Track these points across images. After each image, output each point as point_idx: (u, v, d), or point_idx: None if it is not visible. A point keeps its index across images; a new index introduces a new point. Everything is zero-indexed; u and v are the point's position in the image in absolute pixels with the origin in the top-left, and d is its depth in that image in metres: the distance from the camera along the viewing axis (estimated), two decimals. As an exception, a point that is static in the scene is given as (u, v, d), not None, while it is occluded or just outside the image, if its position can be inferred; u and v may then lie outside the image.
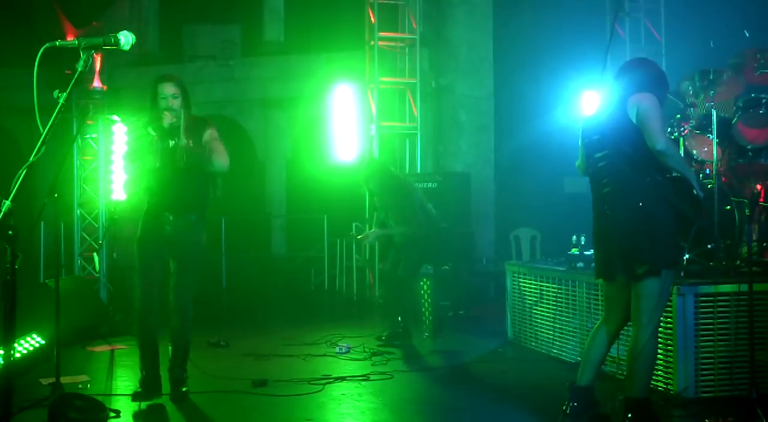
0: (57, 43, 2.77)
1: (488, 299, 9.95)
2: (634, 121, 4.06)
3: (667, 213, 4.07)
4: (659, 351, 4.94)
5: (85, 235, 9.81)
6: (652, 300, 4.05)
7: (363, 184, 7.37)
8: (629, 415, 4.09)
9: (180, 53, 15.32)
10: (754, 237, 5.52)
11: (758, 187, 5.99)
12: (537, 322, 6.62)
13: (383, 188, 7.19)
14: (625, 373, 4.32)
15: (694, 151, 6.13)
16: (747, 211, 5.48)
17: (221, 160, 5.07)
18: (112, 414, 4.69)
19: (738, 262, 5.37)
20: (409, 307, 7.16)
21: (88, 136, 9.72)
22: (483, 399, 5.30)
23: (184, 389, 5.15)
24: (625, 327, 4.36)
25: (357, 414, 4.89)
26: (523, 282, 6.86)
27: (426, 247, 7.17)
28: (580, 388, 4.27)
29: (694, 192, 4.39)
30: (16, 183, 2.62)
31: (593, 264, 4.50)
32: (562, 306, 6.20)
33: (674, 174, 4.38)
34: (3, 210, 2.55)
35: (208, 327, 8.25)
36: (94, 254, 9.35)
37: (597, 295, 5.64)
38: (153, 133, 4.98)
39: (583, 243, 6.06)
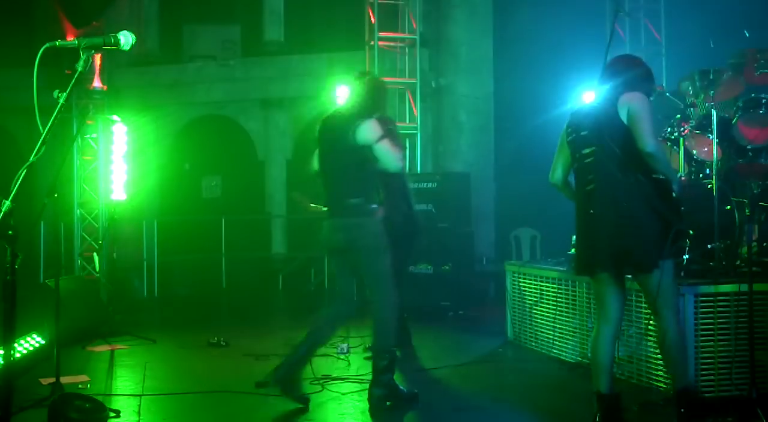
0: (57, 43, 2.77)
1: (488, 299, 9.96)
2: (624, 120, 4.04)
3: (650, 213, 4.06)
4: (658, 350, 4.96)
5: (85, 235, 9.81)
6: (655, 290, 4.09)
7: None
8: (682, 409, 4.09)
9: (180, 53, 15.32)
10: (754, 237, 5.51)
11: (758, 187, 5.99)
12: (537, 322, 6.62)
13: None
14: (664, 369, 4.29)
15: (694, 151, 6.12)
16: (747, 210, 5.48)
17: None
18: (112, 414, 4.69)
19: (738, 262, 5.37)
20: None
21: (88, 136, 9.72)
22: (483, 399, 5.30)
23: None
24: (624, 329, 4.36)
25: (357, 414, 4.89)
26: (523, 282, 6.86)
27: (406, 251, 6.61)
28: (605, 396, 4.17)
29: (674, 194, 4.36)
30: (16, 183, 2.62)
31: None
32: (562, 306, 6.20)
33: (659, 175, 4.37)
34: (3, 210, 2.55)
35: (208, 327, 8.27)
36: (94, 254, 9.36)
37: (597, 295, 5.63)
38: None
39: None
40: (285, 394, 4.97)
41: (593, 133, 4.15)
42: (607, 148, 4.07)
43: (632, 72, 4.21)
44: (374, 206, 4.97)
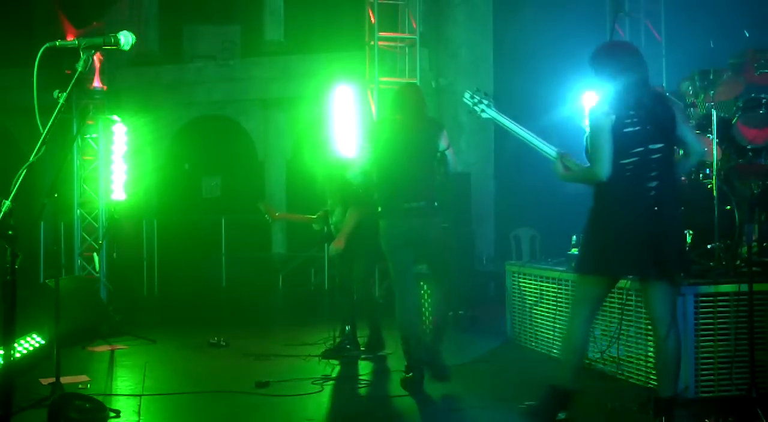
0: (57, 43, 2.77)
1: (488, 299, 9.94)
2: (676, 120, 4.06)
3: None
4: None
5: (85, 235, 9.81)
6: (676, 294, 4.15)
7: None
8: (668, 416, 4.05)
9: (180, 53, 15.33)
10: (754, 237, 5.52)
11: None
12: (537, 322, 6.62)
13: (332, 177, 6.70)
14: (656, 376, 4.26)
15: (694, 151, 6.13)
16: (747, 210, 5.49)
17: None
18: (112, 414, 4.69)
19: (738, 262, 5.37)
20: (368, 313, 6.71)
21: (88, 136, 9.71)
22: (483, 399, 5.30)
23: None
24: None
25: (357, 414, 4.89)
26: (523, 282, 6.86)
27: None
28: (570, 392, 4.17)
29: None
30: (16, 183, 2.62)
31: (612, 262, 4.08)
32: (562, 306, 6.19)
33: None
34: (3, 210, 2.55)
35: (208, 327, 8.27)
36: (94, 254, 9.35)
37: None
38: None
39: (582, 243, 6.05)
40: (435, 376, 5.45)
41: (660, 129, 4.01)
42: (671, 144, 4.05)
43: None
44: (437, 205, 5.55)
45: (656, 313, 4.09)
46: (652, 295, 4.10)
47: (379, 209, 5.50)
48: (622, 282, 5.28)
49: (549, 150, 4.24)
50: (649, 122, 4.00)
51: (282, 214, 7.61)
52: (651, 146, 3.99)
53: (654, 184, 3.97)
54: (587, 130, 4.09)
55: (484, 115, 4.37)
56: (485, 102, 4.39)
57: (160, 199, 14.22)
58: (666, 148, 4.01)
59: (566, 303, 6.14)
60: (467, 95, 4.42)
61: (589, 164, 4.09)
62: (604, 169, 3.97)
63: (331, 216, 6.73)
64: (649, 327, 5.08)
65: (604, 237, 4.07)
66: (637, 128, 3.98)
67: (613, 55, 4.19)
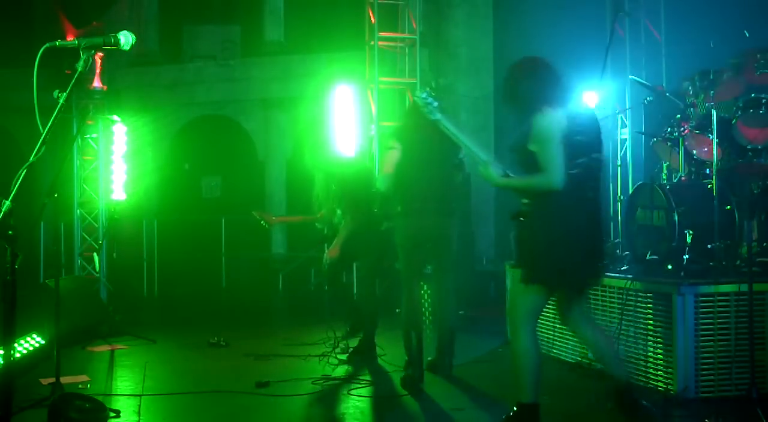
0: (57, 43, 2.78)
1: (488, 299, 9.95)
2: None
3: None
4: (660, 350, 4.97)
5: (85, 235, 9.81)
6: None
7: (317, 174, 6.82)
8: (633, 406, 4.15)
9: (180, 53, 15.33)
10: (754, 237, 5.52)
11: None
12: (537, 322, 6.60)
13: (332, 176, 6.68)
14: (603, 366, 4.36)
15: (694, 151, 6.13)
16: (747, 210, 5.49)
17: None
18: (112, 414, 4.69)
19: (738, 262, 5.37)
20: (367, 314, 6.65)
21: (88, 136, 9.72)
22: (483, 399, 5.30)
23: None
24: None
25: (357, 414, 4.88)
26: (523, 282, 6.84)
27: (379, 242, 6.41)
28: (538, 405, 4.10)
29: None
30: (16, 183, 2.62)
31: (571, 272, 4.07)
32: (562, 306, 6.19)
33: None
34: (3, 210, 2.55)
35: (208, 327, 8.27)
36: (94, 254, 9.35)
37: (597, 295, 5.64)
38: None
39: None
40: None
41: (598, 140, 4.14)
42: (602, 156, 4.15)
43: None
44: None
45: (573, 314, 4.25)
46: (574, 298, 4.24)
47: (399, 209, 5.60)
48: (621, 282, 5.32)
49: (485, 157, 4.22)
50: (592, 131, 4.10)
51: (279, 218, 7.63)
52: (593, 155, 4.05)
53: (592, 193, 4.08)
54: (538, 136, 3.93)
55: (432, 117, 4.44)
56: (435, 104, 4.47)
57: (160, 199, 14.23)
58: (601, 157, 4.11)
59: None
60: (423, 94, 4.49)
61: (528, 171, 3.99)
62: (560, 177, 3.84)
63: (333, 217, 6.76)
64: (650, 327, 5.11)
65: (559, 246, 3.97)
66: (584, 137, 3.99)
67: (541, 69, 4.45)
